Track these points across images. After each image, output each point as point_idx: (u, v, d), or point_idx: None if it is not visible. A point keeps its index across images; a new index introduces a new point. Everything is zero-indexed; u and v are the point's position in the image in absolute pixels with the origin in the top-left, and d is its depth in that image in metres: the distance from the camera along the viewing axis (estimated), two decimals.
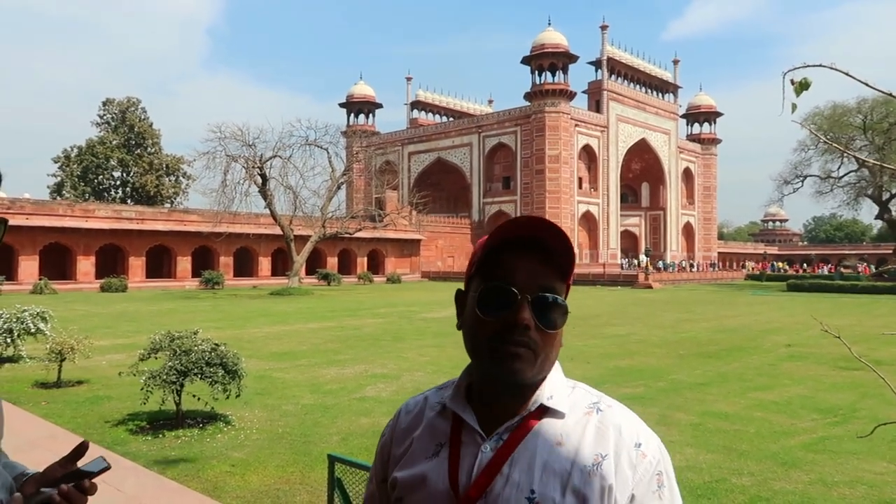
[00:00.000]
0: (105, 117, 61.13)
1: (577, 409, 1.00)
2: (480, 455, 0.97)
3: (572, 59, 56.13)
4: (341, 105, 69.74)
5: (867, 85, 2.27)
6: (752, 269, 67.22)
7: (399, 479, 1.03)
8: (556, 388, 1.01)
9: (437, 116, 73.24)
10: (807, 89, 2.21)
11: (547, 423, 0.98)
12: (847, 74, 2.27)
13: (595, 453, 0.95)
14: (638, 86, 64.96)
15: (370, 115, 70.24)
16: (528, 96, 56.36)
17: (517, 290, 0.96)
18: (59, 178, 59.16)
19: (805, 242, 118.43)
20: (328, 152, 36.55)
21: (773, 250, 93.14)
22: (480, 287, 0.99)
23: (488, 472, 0.95)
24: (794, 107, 2.24)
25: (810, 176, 52.42)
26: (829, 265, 71.26)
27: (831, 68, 2.26)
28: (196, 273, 39.21)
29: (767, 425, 6.97)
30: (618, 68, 61.99)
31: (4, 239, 1.19)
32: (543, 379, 1.00)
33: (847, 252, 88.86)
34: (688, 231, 71.77)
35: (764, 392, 8.78)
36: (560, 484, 0.92)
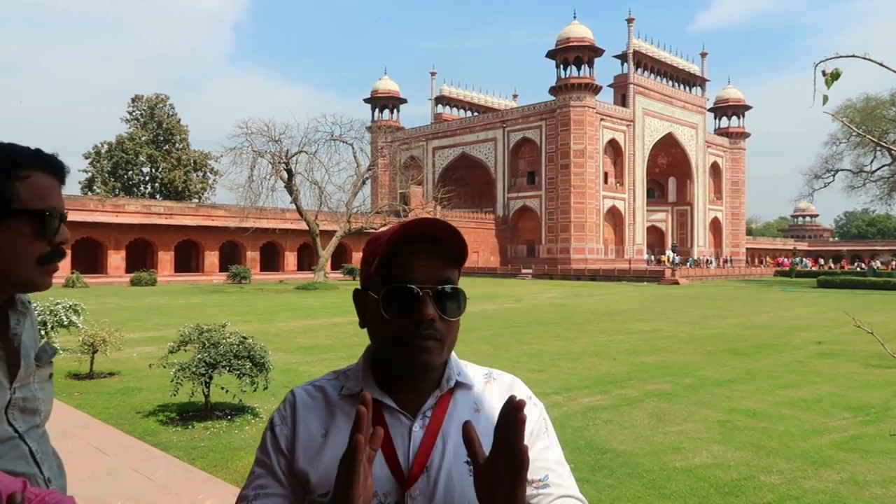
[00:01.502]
0: (134, 114, 62.08)
1: (478, 381, 1.15)
2: (412, 435, 1.06)
3: (598, 52, 55.64)
4: (366, 100, 69.97)
5: None
6: (768, 264, 66.00)
7: (324, 473, 1.03)
8: (458, 365, 1.15)
9: (462, 111, 73.13)
10: (837, 80, 2.18)
11: (461, 396, 1.11)
12: (881, 65, 2.22)
13: None
14: (665, 79, 64.18)
15: (395, 111, 70.39)
16: (553, 90, 56.00)
17: (418, 287, 1.03)
18: (90, 174, 60.27)
19: (836, 238, 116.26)
20: (353, 147, 36.76)
21: (803, 246, 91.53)
22: (382, 289, 1.04)
23: (424, 450, 1.05)
24: (825, 98, 2.21)
25: (842, 170, 51.36)
26: (858, 262, 69.85)
27: (864, 58, 2.22)
28: (223, 267, 39.74)
29: (797, 423, 6.86)
30: (644, 61, 61.29)
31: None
32: (447, 360, 1.11)
33: (880, 248, 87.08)
34: (715, 226, 70.82)
35: (793, 389, 8.65)
36: (488, 443, 0.98)
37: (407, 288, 1.02)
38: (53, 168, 1.21)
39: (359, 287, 1.15)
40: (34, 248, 1.17)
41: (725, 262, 64.98)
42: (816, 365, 10.67)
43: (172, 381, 6.25)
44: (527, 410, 1.07)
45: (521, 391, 1.15)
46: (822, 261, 75.06)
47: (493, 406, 1.09)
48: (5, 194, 1.13)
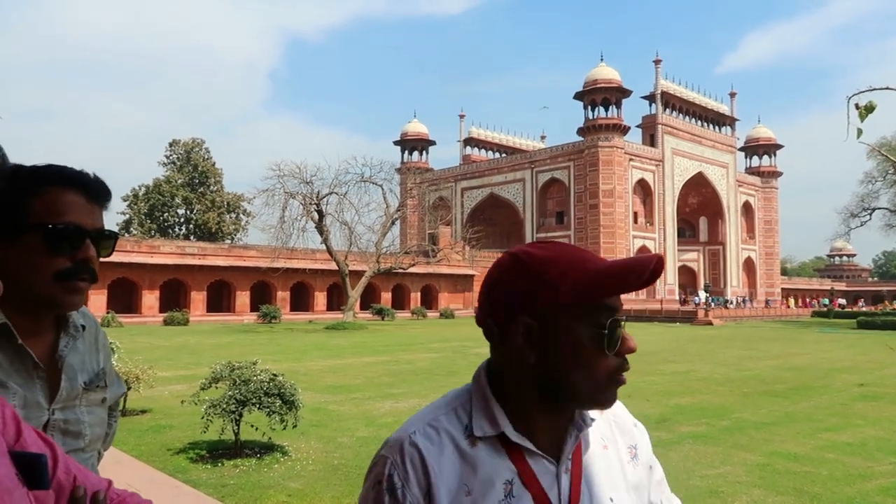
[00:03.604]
0: (171, 157, 63.87)
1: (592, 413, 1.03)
2: (560, 481, 0.93)
3: (625, 93, 55.95)
4: (395, 143, 71.04)
5: None
6: (798, 305, 64.31)
7: None
8: None
9: (490, 153, 73.76)
10: (872, 112, 2.14)
11: (587, 433, 0.99)
12: None
13: (628, 445, 1.03)
14: (693, 119, 64.11)
15: (423, 153, 71.27)
16: (581, 131, 56.28)
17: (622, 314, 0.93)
18: (127, 216, 61.84)
19: (875, 278, 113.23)
20: (383, 189, 37.20)
21: (841, 286, 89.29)
22: (604, 321, 0.90)
23: (574, 496, 0.93)
24: (859, 132, 2.17)
25: (879, 209, 50.48)
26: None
27: None
28: (254, 307, 40.11)
29: (841, 467, 6.60)
30: (672, 102, 61.40)
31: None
32: None
33: None
34: (749, 266, 69.63)
35: (836, 433, 8.35)
36: (624, 482, 0.96)
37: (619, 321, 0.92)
38: (80, 185, 1.20)
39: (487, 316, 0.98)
40: (51, 264, 1.15)
41: (766, 302, 63.63)
42: (859, 408, 10.31)
43: (203, 417, 6.27)
44: (638, 436, 1.06)
45: (625, 416, 1.07)
46: (862, 302, 73.04)
47: (617, 439, 1.02)
48: (21, 210, 1.13)
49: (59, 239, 1.15)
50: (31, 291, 1.16)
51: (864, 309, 59.29)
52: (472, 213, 64.24)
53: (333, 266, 37.07)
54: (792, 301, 66.61)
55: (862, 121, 2.18)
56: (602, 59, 57.94)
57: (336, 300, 43.24)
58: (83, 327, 1.33)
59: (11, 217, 1.12)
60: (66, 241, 1.16)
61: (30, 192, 1.14)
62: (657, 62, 60.56)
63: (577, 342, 0.90)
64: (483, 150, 73.82)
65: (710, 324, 40.94)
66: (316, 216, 35.41)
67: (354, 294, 35.64)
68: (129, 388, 8.67)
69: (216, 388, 6.74)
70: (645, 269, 0.88)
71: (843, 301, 72.16)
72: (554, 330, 0.90)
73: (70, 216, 1.16)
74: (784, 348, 22.74)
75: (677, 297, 58.64)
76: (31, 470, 0.67)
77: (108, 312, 32.36)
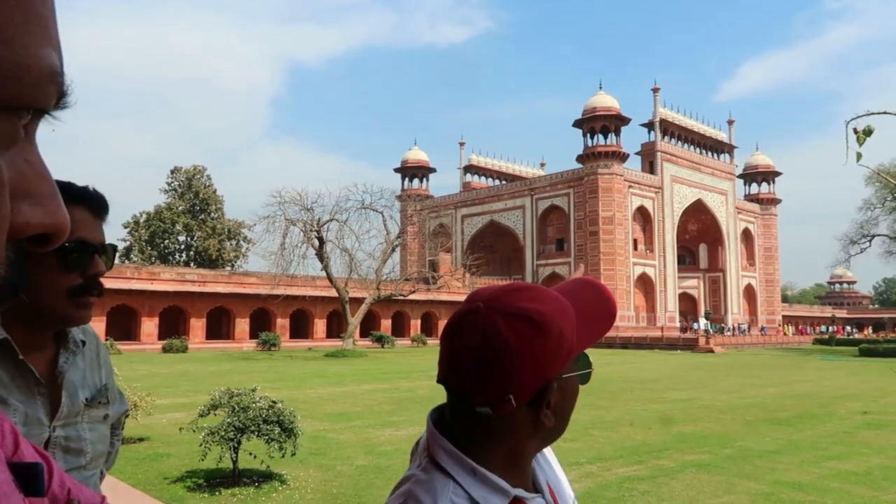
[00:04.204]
0: (172, 184, 64.15)
1: None
2: None
3: (624, 121, 56.42)
4: (396, 170, 71.43)
5: None
6: (795, 332, 63.82)
7: None
8: None
9: (490, 180, 74.13)
10: (870, 136, 2.16)
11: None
12: None
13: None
14: (692, 146, 64.54)
15: (424, 180, 71.62)
16: (580, 158, 56.63)
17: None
18: (128, 243, 61.90)
19: (876, 305, 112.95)
20: (383, 216, 37.33)
21: (842, 313, 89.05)
22: (582, 366, 0.89)
23: None
24: (858, 155, 2.19)
25: (878, 235, 50.55)
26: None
27: None
28: (253, 334, 39.95)
29: (847, 497, 6.52)
30: (671, 129, 61.87)
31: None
32: None
33: None
34: (749, 293, 69.51)
35: (840, 461, 8.26)
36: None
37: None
38: (86, 200, 1.22)
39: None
40: (64, 281, 1.16)
41: (761, 329, 63.41)
42: (864, 436, 10.21)
43: (201, 445, 6.21)
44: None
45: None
46: (870, 329, 72.77)
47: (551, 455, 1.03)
48: None
49: (72, 256, 1.17)
50: (44, 308, 1.17)
51: (872, 336, 59.25)
52: (472, 240, 64.33)
53: (333, 293, 37.02)
54: (790, 328, 66.26)
55: (861, 145, 2.20)
56: (601, 87, 58.59)
57: (336, 327, 43.10)
58: (83, 343, 1.32)
59: None
60: (78, 258, 1.18)
61: None
62: (655, 90, 61.16)
63: (575, 389, 0.90)
64: (483, 178, 74.21)
65: (712, 351, 40.75)
66: (316, 243, 35.46)
67: (354, 321, 35.52)
68: (126, 416, 8.60)
69: (215, 415, 6.69)
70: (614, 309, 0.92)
71: (849, 328, 72.07)
72: (564, 384, 0.87)
73: (79, 232, 1.18)
74: (786, 376, 22.60)
75: (678, 325, 58.45)
76: (28, 477, 0.69)
77: (106, 339, 32.20)
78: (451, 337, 0.85)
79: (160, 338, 36.46)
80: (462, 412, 0.86)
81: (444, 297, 47.24)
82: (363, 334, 42.03)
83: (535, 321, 0.81)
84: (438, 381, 0.87)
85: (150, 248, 61.14)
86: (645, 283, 58.42)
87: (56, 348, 1.26)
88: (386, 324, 46.43)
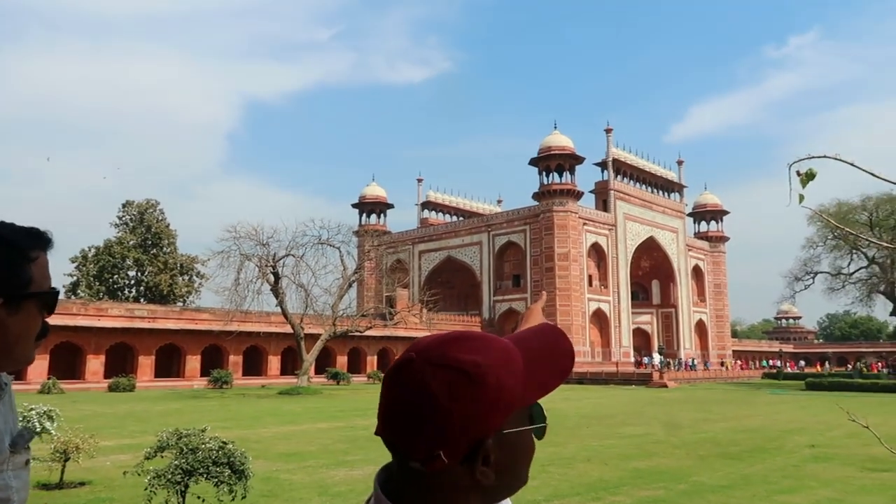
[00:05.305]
0: (124, 218, 62.61)
1: None
2: None
3: (579, 160, 57.69)
4: (354, 206, 71.34)
5: (874, 175, 2.32)
6: (733, 366, 65.10)
7: None
8: None
9: (448, 216, 74.58)
10: (812, 179, 2.27)
11: None
12: (853, 165, 2.33)
13: None
14: (644, 185, 66.26)
15: (382, 215, 71.65)
16: (536, 196, 57.52)
17: None
18: (75, 278, 59.91)
19: (820, 340, 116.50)
20: (340, 251, 37.13)
21: (789, 348, 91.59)
22: (530, 415, 0.84)
23: None
24: (801, 197, 2.29)
25: (821, 272, 52.38)
26: (846, 364, 69.74)
27: (836, 159, 2.33)
28: (205, 372, 38.87)
29: None
30: (623, 168, 63.48)
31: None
32: None
33: (864, 350, 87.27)
34: (700, 329, 70.99)
35: (790, 495, 8.41)
36: None
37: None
38: (49, 245, 1.21)
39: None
40: (36, 326, 1.16)
41: (704, 364, 64.54)
42: (812, 469, 10.45)
43: (146, 489, 5.98)
44: None
45: None
46: (801, 363, 75.00)
47: None
48: (25, 278, 1.13)
49: (51, 303, 1.17)
50: (17, 354, 1.15)
51: (829, 371, 61.12)
52: (429, 276, 64.33)
53: (288, 329, 36.42)
54: (729, 362, 67.45)
55: (803, 187, 2.30)
56: (556, 127, 59.89)
57: (290, 364, 42.28)
58: (5, 385, 1.26)
59: (17, 285, 1.12)
60: (53, 305, 1.18)
61: (28, 259, 1.14)
62: (608, 131, 62.84)
63: (526, 443, 0.84)
64: (441, 214, 74.63)
65: (665, 386, 41.30)
66: (272, 278, 34.98)
67: (309, 358, 34.94)
68: (67, 459, 8.24)
69: (162, 457, 6.46)
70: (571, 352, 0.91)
71: (802, 363, 74.24)
72: (509, 440, 0.81)
73: (50, 278, 1.18)
74: (737, 410, 23.02)
75: (632, 360, 59.16)
76: None
77: (49, 378, 30.91)
78: (388, 388, 0.81)
79: (106, 376, 35.14)
80: (399, 467, 0.82)
81: (402, 332, 46.92)
82: (319, 371, 41.32)
83: (469, 373, 0.77)
84: (376, 434, 0.82)
85: (98, 284, 59.26)
86: (600, 319, 59.14)
87: None
88: (342, 360, 45.78)
